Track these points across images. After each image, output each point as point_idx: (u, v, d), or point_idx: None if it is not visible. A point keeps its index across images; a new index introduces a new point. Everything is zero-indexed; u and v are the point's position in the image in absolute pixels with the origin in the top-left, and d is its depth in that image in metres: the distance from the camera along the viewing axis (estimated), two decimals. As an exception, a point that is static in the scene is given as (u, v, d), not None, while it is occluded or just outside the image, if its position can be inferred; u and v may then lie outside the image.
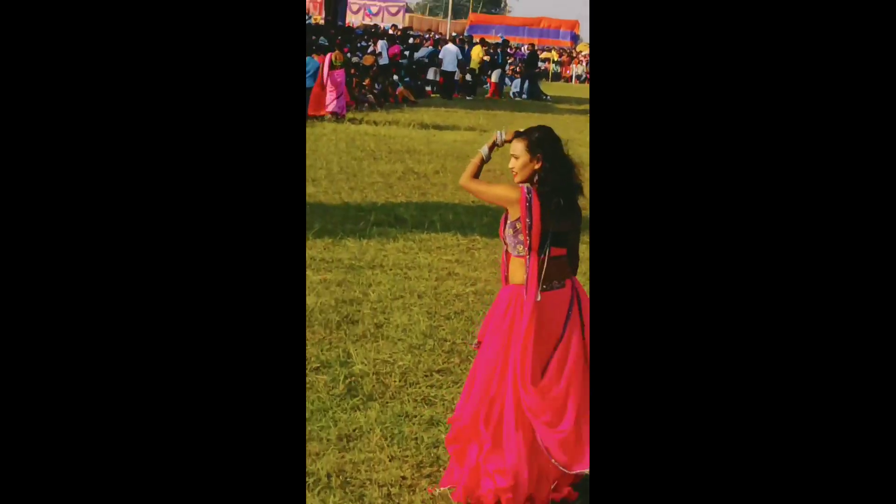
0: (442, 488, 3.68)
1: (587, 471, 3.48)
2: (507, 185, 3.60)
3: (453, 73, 25.64)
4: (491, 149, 3.72)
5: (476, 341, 3.75)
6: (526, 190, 3.51)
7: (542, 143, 3.56)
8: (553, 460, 3.51)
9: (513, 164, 3.59)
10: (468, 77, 26.52)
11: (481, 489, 3.55)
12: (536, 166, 3.54)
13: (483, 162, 3.71)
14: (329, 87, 17.31)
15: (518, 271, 3.58)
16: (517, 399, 3.53)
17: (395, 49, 24.67)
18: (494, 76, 27.26)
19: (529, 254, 3.53)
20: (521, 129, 3.66)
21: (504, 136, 3.70)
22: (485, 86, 27.51)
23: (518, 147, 3.58)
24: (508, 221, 3.58)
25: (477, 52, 27.02)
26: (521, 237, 3.54)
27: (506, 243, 3.63)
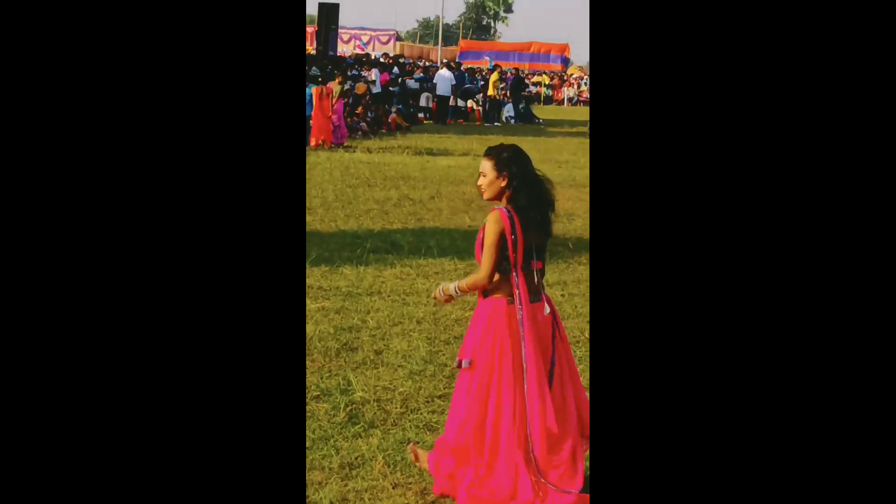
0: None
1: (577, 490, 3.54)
2: (487, 225, 3.62)
3: (447, 97, 25.72)
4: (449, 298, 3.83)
5: (459, 360, 3.76)
6: (505, 210, 3.59)
7: (509, 161, 3.65)
8: (547, 482, 3.54)
9: (481, 181, 3.69)
10: (482, 103, 26.60)
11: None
12: (503, 184, 3.63)
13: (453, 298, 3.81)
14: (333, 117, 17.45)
15: (497, 286, 3.65)
16: (510, 419, 3.56)
17: (385, 77, 24.75)
18: (472, 103, 27.23)
19: (515, 270, 3.58)
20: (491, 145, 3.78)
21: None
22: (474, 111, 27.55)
23: (486, 165, 3.68)
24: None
25: (493, 79, 26.94)
26: (505, 253, 3.59)
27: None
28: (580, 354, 5.66)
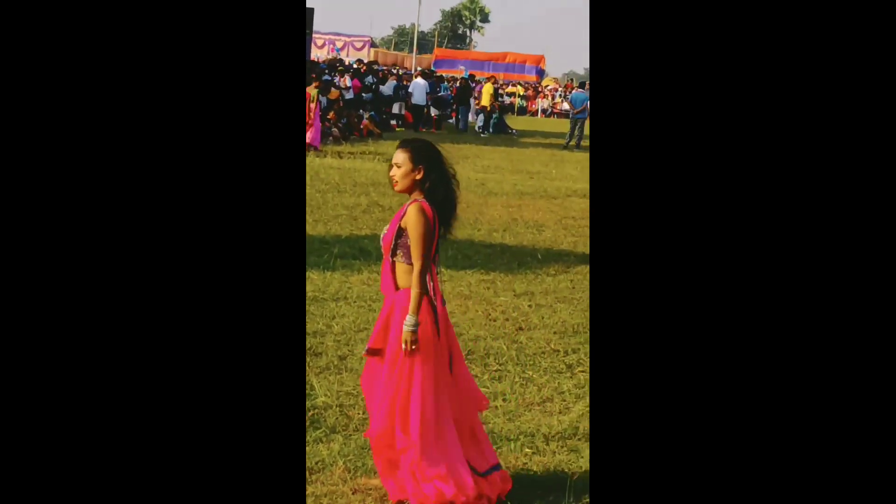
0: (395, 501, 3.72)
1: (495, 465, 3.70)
2: (410, 219, 3.58)
3: (423, 106, 25.70)
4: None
5: (368, 349, 3.74)
6: (427, 205, 3.60)
7: (426, 155, 3.64)
8: (473, 468, 3.62)
9: (394, 172, 3.65)
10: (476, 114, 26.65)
11: (431, 499, 3.57)
12: (418, 177, 3.62)
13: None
14: (312, 120, 17.36)
15: (406, 277, 3.62)
16: (438, 397, 3.59)
17: (356, 83, 24.66)
18: (433, 111, 27.13)
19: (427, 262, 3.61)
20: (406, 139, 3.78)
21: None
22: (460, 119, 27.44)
23: (401, 157, 3.64)
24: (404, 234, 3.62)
25: (488, 90, 26.90)
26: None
27: (396, 254, 3.64)
28: (545, 365, 5.66)
